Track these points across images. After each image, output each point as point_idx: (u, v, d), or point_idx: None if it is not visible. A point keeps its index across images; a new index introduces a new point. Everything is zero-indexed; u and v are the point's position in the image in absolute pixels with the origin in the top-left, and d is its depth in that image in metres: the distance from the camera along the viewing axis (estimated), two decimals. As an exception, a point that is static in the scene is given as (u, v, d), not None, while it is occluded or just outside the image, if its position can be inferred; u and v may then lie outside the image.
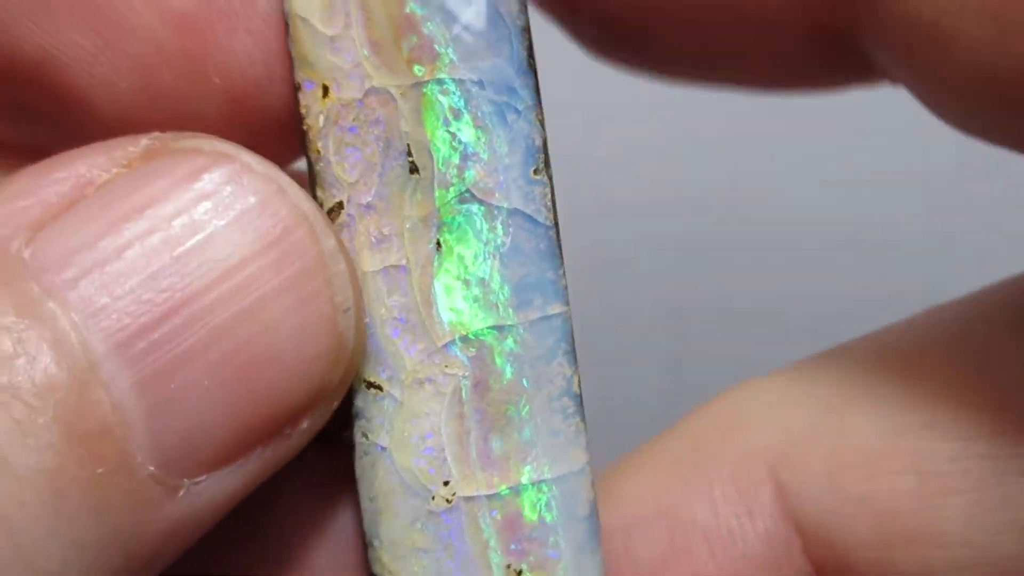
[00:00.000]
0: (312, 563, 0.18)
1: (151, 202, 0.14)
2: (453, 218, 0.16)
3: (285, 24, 0.16)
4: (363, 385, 0.16)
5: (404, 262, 0.16)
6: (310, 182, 0.16)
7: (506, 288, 0.16)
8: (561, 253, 0.16)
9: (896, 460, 0.16)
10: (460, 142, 0.16)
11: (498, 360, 0.16)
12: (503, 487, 0.16)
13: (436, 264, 0.16)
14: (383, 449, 0.16)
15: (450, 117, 0.16)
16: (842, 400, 0.16)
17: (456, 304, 0.16)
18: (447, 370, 0.16)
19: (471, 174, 0.16)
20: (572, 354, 0.16)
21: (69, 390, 0.13)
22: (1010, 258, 0.19)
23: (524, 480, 0.16)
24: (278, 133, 0.17)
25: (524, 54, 0.16)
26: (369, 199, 0.16)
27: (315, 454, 0.18)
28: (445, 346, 0.16)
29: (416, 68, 0.16)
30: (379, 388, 0.16)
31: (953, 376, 0.16)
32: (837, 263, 0.38)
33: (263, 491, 0.16)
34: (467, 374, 0.16)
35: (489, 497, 0.16)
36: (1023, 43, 0.14)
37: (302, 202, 0.15)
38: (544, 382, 0.16)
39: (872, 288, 0.36)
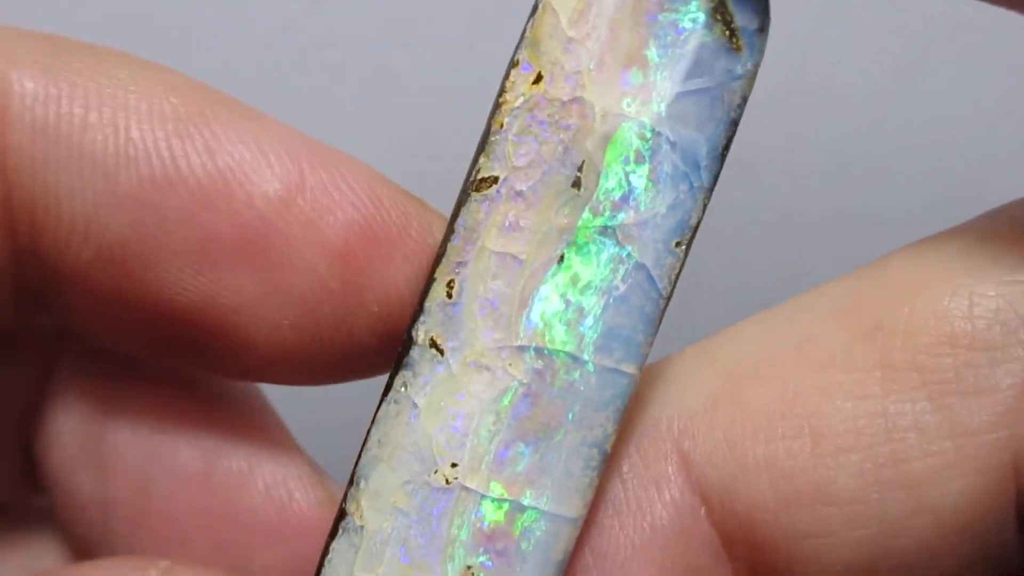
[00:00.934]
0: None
1: None
2: (587, 243, 0.16)
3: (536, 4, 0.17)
4: (428, 341, 0.17)
5: (523, 256, 0.16)
6: (478, 148, 0.17)
7: (598, 327, 0.16)
8: (659, 325, 0.17)
9: (792, 424, 0.16)
10: (629, 184, 0.16)
11: (558, 384, 0.16)
12: (502, 495, 0.16)
13: (550, 273, 0.16)
14: (415, 406, 0.17)
15: (632, 158, 0.16)
16: (741, 371, 0.17)
17: (548, 316, 0.16)
18: (509, 369, 0.16)
19: (623, 216, 0.16)
20: (620, 416, 0.16)
21: None
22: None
23: (523, 500, 0.16)
24: None
25: (723, 142, 0.16)
26: (523, 188, 0.16)
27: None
28: (520, 347, 0.16)
29: (626, 101, 0.16)
30: (440, 352, 0.16)
31: (845, 340, 0.16)
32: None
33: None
34: (525, 381, 0.16)
35: (484, 497, 0.16)
36: None
37: None
38: (585, 426, 0.16)
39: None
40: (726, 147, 0.17)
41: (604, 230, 0.16)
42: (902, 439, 0.16)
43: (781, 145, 0.39)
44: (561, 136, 0.16)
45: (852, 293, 0.17)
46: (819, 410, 0.16)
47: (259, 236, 0.17)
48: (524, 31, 0.17)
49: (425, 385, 0.16)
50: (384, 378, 0.17)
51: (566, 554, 0.17)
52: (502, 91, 0.17)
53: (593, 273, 0.16)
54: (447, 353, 0.16)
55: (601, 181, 0.16)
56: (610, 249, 0.16)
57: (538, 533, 0.16)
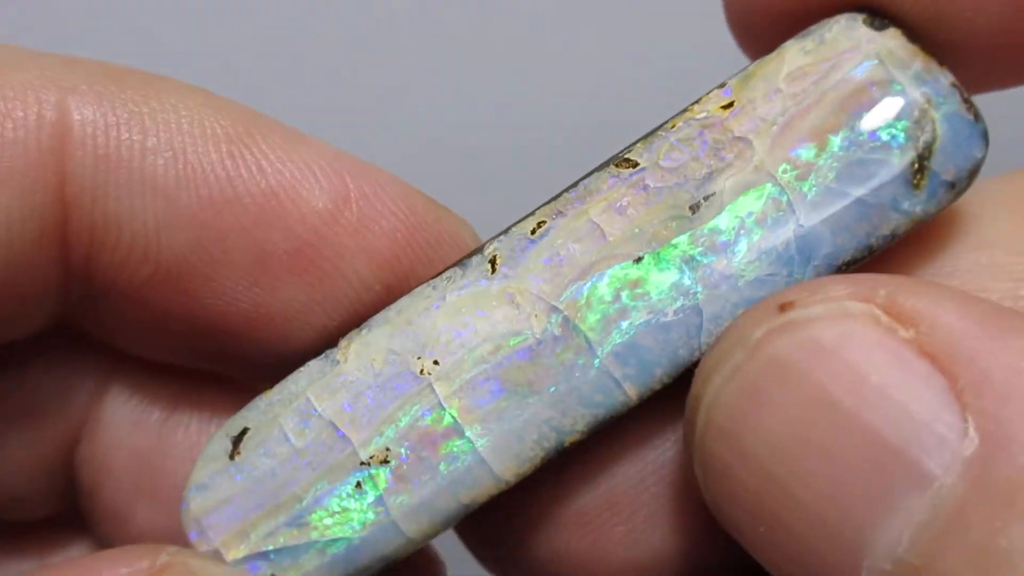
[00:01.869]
0: None
1: None
2: (668, 261, 0.17)
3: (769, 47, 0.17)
4: (490, 256, 0.17)
5: (611, 238, 0.17)
6: (646, 134, 0.17)
7: (627, 336, 0.17)
8: (680, 375, 0.17)
9: None
10: (737, 237, 0.16)
11: (560, 358, 0.17)
12: (454, 414, 0.17)
13: (621, 266, 0.17)
14: (443, 299, 0.17)
15: (755, 217, 0.16)
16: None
17: (594, 299, 0.17)
18: (534, 319, 0.17)
19: (713, 259, 0.16)
20: (597, 425, 0.17)
21: None
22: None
23: (467, 430, 0.17)
24: None
25: (846, 258, 0.16)
26: (651, 185, 0.17)
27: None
28: (554, 307, 0.17)
29: (784, 167, 0.16)
30: (492, 269, 0.17)
31: None
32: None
33: None
34: (538, 337, 0.17)
35: (440, 406, 0.17)
36: None
37: None
38: (560, 409, 0.17)
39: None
40: (848, 264, 0.16)
41: (689, 259, 0.17)
42: None
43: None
44: (711, 162, 0.17)
45: None
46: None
47: (311, 248, 0.18)
48: (751, 64, 0.17)
49: (463, 288, 0.17)
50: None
51: (473, 503, 0.17)
52: (697, 100, 0.17)
53: (655, 288, 0.17)
54: (497, 273, 0.17)
55: (716, 219, 0.17)
56: (684, 279, 0.16)
57: (459, 465, 0.17)
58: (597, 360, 0.17)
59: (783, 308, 0.15)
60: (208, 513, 0.17)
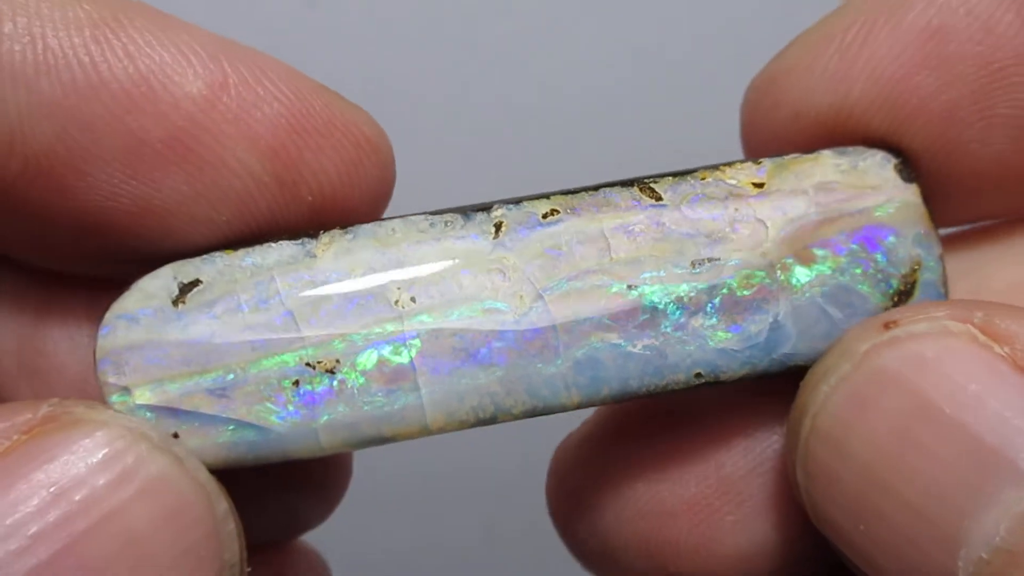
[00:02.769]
0: None
1: (54, 479, 0.15)
2: (656, 301, 0.17)
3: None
4: (497, 221, 0.17)
5: (614, 255, 0.18)
6: (679, 171, 0.18)
7: (595, 350, 0.17)
8: (623, 401, 0.18)
9: None
10: (719, 305, 0.17)
11: (528, 346, 0.17)
12: (409, 355, 0.17)
13: (615, 286, 0.17)
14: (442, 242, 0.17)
15: (747, 296, 0.18)
16: None
17: (582, 305, 0.17)
18: (518, 297, 0.17)
19: (694, 315, 0.17)
20: (532, 415, 0.17)
21: None
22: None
23: (419, 377, 0.17)
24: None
25: (795, 360, 0.18)
26: (666, 223, 0.18)
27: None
28: (540, 295, 0.17)
29: (787, 261, 0.18)
30: (496, 233, 0.18)
31: None
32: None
33: None
34: (517, 315, 0.17)
35: (402, 341, 0.17)
36: None
37: (198, 471, 0.16)
38: (505, 389, 0.17)
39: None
40: (791, 368, 0.18)
41: (677, 305, 0.17)
42: None
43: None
44: (726, 230, 0.18)
45: None
46: None
47: (188, 136, 0.17)
48: (788, 154, 0.18)
49: (461, 238, 0.18)
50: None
51: (393, 438, 0.17)
52: (730, 164, 0.18)
53: (635, 319, 0.17)
54: (498, 240, 0.17)
55: (711, 282, 0.18)
56: (664, 322, 0.17)
57: (397, 404, 0.17)
58: (559, 360, 0.17)
59: (887, 326, 0.16)
60: (129, 348, 0.17)
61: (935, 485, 0.15)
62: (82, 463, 0.15)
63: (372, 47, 0.42)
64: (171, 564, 0.15)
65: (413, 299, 0.17)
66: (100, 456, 0.15)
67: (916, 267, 0.18)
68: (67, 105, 0.16)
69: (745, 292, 0.17)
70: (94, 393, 0.17)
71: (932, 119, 0.18)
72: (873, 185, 0.18)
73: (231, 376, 0.17)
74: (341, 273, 0.17)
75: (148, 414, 0.17)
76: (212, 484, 0.16)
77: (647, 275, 0.17)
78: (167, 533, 0.15)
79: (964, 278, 0.20)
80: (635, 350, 0.17)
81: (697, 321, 0.17)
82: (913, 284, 0.18)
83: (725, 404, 0.20)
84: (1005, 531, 0.14)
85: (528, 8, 0.43)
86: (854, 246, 0.18)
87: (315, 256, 0.17)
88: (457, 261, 0.17)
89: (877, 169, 0.18)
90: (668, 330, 0.17)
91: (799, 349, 0.18)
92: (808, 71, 0.19)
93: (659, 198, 0.18)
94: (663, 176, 0.18)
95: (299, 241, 0.17)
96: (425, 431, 0.17)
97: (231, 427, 0.17)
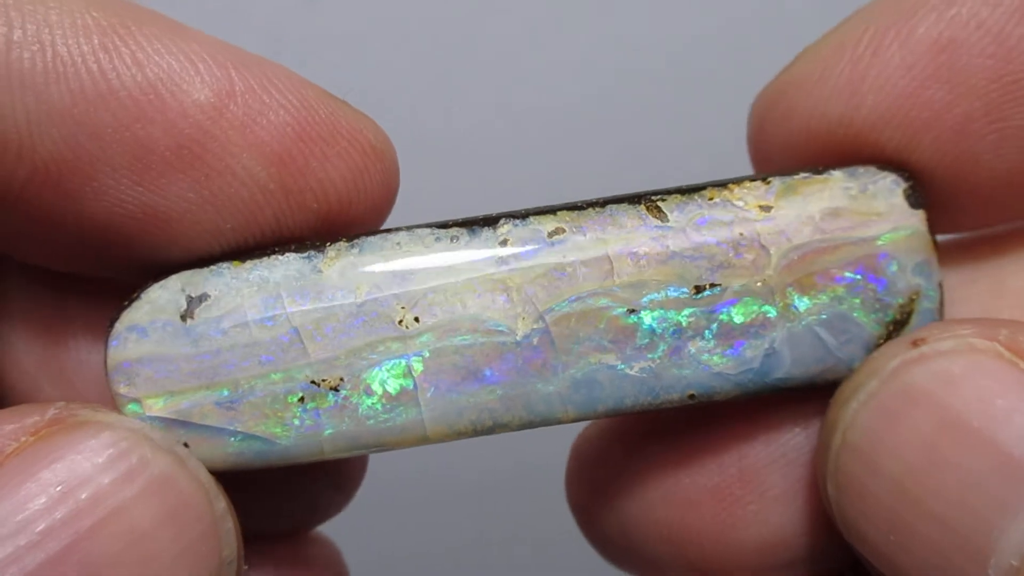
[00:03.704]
0: None
1: (61, 478, 0.15)
2: (656, 325, 0.18)
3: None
4: (502, 238, 0.18)
5: (617, 279, 0.18)
6: (688, 187, 0.18)
7: (592, 370, 0.18)
8: (618, 415, 0.18)
9: None
10: (717, 331, 0.18)
11: (527, 366, 0.18)
12: (418, 368, 0.17)
13: (617, 309, 0.18)
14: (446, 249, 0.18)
15: (745, 321, 0.18)
16: None
17: (582, 326, 0.18)
18: (520, 319, 0.18)
19: (692, 339, 0.18)
20: (528, 427, 0.18)
21: None
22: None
23: (420, 395, 0.17)
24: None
25: (788, 383, 0.18)
26: (672, 248, 0.18)
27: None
28: (542, 316, 0.18)
29: (789, 291, 0.18)
30: (504, 245, 0.18)
31: None
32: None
33: None
34: (518, 336, 0.17)
35: (405, 357, 0.17)
36: None
37: (199, 471, 0.17)
38: (504, 405, 0.18)
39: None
40: (785, 389, 0.18)
41: (676, 331, 0.18)
42: None
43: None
44: (730, 255, 0.18)
45: None
46: None
47: (195, 143, 0.17)
48: (797, 173, 0.18)
49: (466, 256, 0.18)
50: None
51: (393, 447, 0.18)
52: (739, 182, 0.18)
53: (633, 343, 0.18)
54: (506, 255, 0.18)
55: (711, 308, 0.18)
56: (661, 346, 0.18)
57: (400, 419, 0.17)
58: (557, 380, 0.17)
59: (915, 343, 0.17)
60: (140, 361, 0.17)
61: (966, 497, 0.15)
62: (88, 463, 0.15)
63: (372, 47, 0.42)
64: (173, 559, 0.15)
65: (417, 319, 0.17)
66: (105, 456, 0.15)
67: (915, 296, 0.18)
68: (76, 112, 0.16)
69: (743, 319, 0.18)
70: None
71: (944, 132, 0.18)
72: (880, 212, 0.18)
73: (239, 390, 0.17)
74: (346, 291, 0.17)
75: (159, 424, 0.17)
76: (211, 484, 0.17)
77: (648, 299, 0.18)
78: (169, 530, 0.15)
79: (979, 282, 0.20)
80: (632, 372, 0.18)
81: (695, 345, 0.18)
82: (910, 313, 0.18)
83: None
84: None
85: (529, 8, 0.43)
86: (855, 275, 0.18)
87: (321, 272, 0.17)
88: (462, 279, 0.17)
89: (886, 195, 0.18)
90: (665, 353, 0.18)
91: (793, 374, 0.18)
92: (819, 83, 0.19)
93: (665, 219, 0.18)
94: (670, 193, 0.18)
95: (305, 255, 0.17)
96: (424, 441, 0.18)
97: (238, 438, 0.17)
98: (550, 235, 0.18)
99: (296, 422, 0.17)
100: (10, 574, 0.14)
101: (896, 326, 0.18)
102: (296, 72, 0.18)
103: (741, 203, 0.18)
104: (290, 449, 0.17)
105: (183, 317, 0.17)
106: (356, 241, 0.18)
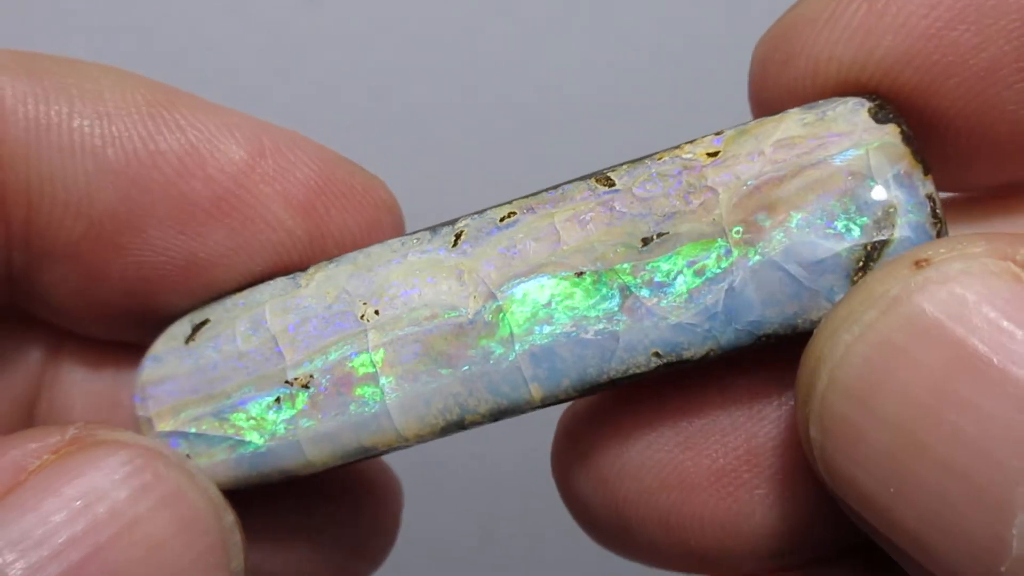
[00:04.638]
0: None
1: (81, 493, 0.16)
2: (605, 284, 0.17)
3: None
4: (457, 230, 0.18)
5: (564, 246, 0.17)
6: (636, 158, 0.18)
7: (549, 341, 0.17)
8: (585, 393, 0.18)
9: None
10: (674, 280, 0.17)
11: (480, 343, 0.18)
12: (378, 361, 0.18)
13: (563, 274, 0.17)
14: (404, 257, 0.18)
15: (697, 268, 0.17)
16: None
17: (528, 298, 0.17)
18: (470, 301, 0.18)
19: (646, 294, 0.17)
20: (499, 414, 0.18)
21: None
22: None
23: (382, 378, 0.18)
24: None
25: (766, 331, 0.17)
26: (617, 208, 0.17)
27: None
28: (493, 294, 0.18)
29: (739, 228, 0.17)
30: (456, 243, 0.18)
31: None
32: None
33: None
34: (469, 317, 0.18)
35: (366, 350, 0.18)
36: None
37: (208, 486, 0.18)
38: (467, 387, 0.18)
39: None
40: (769, 336, 0.17)
41: (625, 288, 0.17)
42: None
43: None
44: (677, 203, 0.17)
45: None
46: None
47: (231, 195, 0.19)
48: (754, 120, 0.17)
49: (425, 252, 0.18)
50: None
51: (373, 448, 0.18)
52: (691, 140, 0.17)
53: (585, 305, 0.17)
54: (457, 248, 0.18)
55: (661, 258, 0.17)
56: (613, 305, 0.17)
57: (366, 411, 0.18)
58: (513, 354, 0.17)
59: (919, 264, 0.14)
60: (154, 383, 0.19)
61: (984, 443, 0.13)
62: (106, 479, 0.16)
63: (372, 47, 0.42)
64: (184, 569, 0.16)
65: (377, 312, 0.18)
66: (122, 472, 0.16)
67: (891, 211, 0.16)
68: (128, 172, 0.19)
69: (698, 262, 0.17)
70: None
71: (969, 77, 0.17)
72: (840, 131, 0.17)
73: (228, 400, 0.19)
74: (320, 297, 0.19)
75: (168, 440, 0.19)
76: (220, 498, 0.18)
77: (596, 260, 0.17)
78: (181, 541, 0.16)
79: None
80: (588, 336, 0.17)
81: (650, 300, 0.17)
82: (892, 230, 0.16)
83: (755, 371, 0.19)
84: None
85: (529, 8, 0.43)
86: (816, 199, 0.16)
87: (301, 286, 0.19)
88: (418, 271, 0.18)
89: (848, 116, 0.17)
90: (618, 312, 0.17)
91: (767, 316, 0.17)
92: (830, 22, 0.17)
93: (612, 184, 0.17)
94: (622, 164, 0.18)
95: (291, 276, 0.19)
96: (401, 439, 0.18)
97: (228, 444, 0.19)
98: (502, 219, 0.18)
99: (274, 427, 0.18)
100: None
101: (876, 247, 0.16)
102: (313, 139, 0.21)
103: (690, 155, 0.17)
104: (274, 454, 0.18)
105: (186, 341, 0.19)
106: (335, 258, 0.19)
